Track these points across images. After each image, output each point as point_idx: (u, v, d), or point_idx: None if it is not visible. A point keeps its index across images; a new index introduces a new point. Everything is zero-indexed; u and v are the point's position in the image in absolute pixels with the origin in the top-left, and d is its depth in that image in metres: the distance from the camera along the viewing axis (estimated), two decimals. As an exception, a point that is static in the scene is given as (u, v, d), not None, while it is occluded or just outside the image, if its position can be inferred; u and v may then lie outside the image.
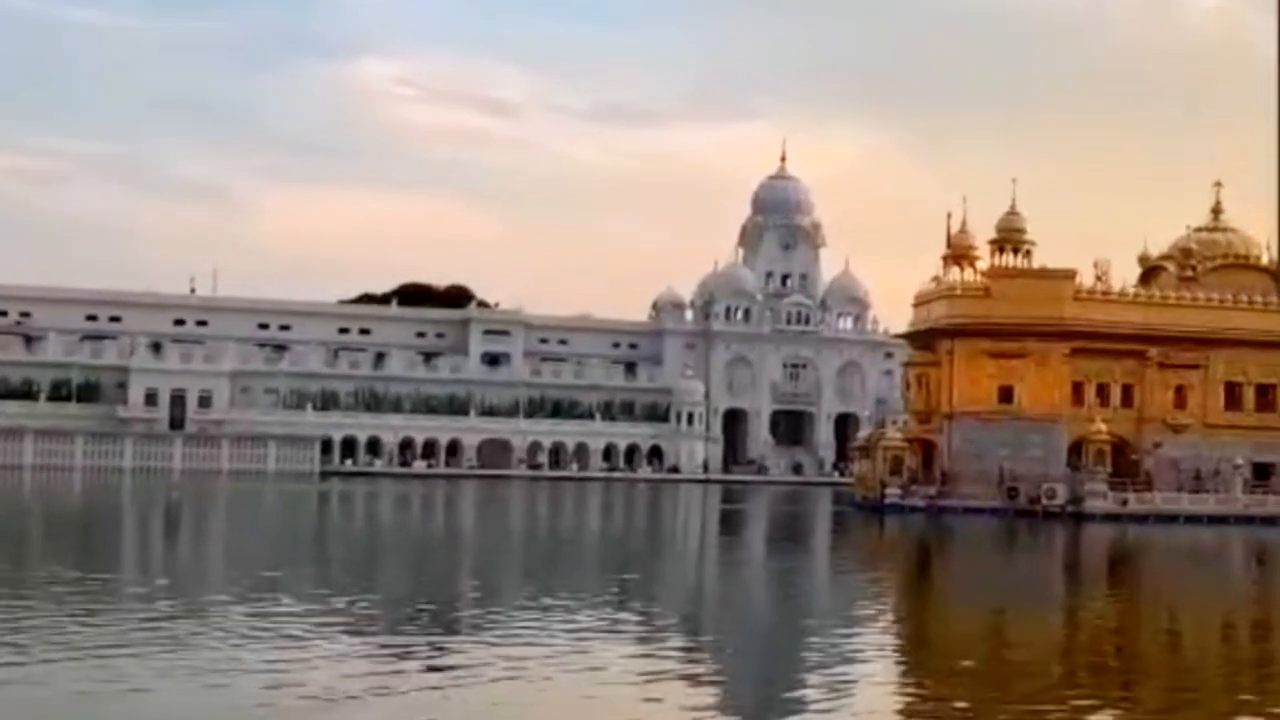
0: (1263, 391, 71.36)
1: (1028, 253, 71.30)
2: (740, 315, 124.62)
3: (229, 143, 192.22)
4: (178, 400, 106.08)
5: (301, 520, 54.25)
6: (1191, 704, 17.91)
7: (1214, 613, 29.39)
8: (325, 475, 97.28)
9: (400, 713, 15.36)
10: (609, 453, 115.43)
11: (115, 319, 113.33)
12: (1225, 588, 37.27)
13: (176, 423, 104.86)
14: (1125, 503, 65.30)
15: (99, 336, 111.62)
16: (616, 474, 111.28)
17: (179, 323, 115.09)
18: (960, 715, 16.47)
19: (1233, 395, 71.12)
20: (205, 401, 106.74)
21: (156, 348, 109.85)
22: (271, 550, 37.14)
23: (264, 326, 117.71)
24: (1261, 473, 69.30)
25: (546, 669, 17.88)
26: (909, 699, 17.64)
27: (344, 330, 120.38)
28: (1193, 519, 63.26)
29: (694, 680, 17.89)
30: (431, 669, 17.74)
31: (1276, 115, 72.01)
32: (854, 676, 18.93)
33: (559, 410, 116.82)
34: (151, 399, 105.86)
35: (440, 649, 19.54)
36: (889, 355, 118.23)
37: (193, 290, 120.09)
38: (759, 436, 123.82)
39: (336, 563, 34.58)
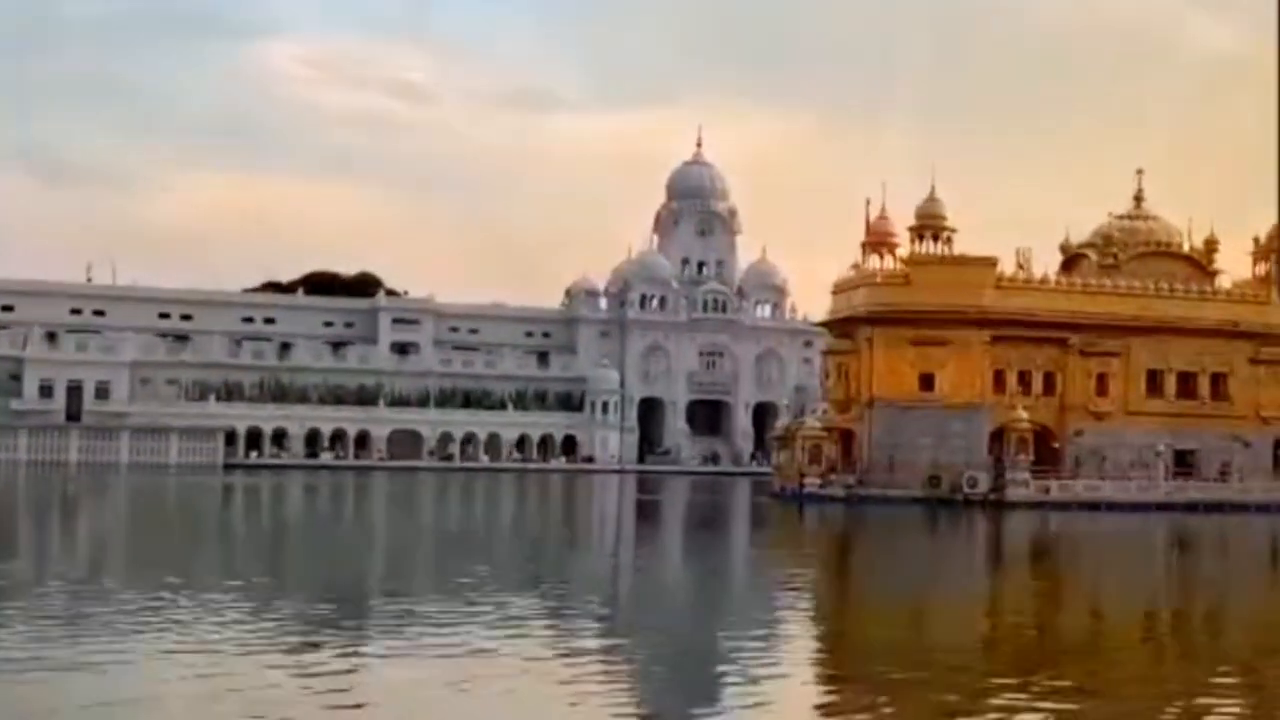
0: (1184, 379, 71.20)
1: (948, 240, 70.63)
2: (656, 303, 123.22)
3: (128, 126, 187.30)
4: (74, 392, 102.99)
5: (204, 515, 51.85)
6: (1111, 687, 17.29)
7: (1132, 598, 29.08)
8: (230, 468, 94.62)
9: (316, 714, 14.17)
10: (522, 443, 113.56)
11: (8, 308, 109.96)
12: (1144, 574, 37.07)
13: (73, 415, 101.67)
14: (1048, 490, 65.19)
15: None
16: (530, 465, 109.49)
17: (75, 312, 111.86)
18: (879, 705, 15.67)
19: (1154, 382, 70.95)
20: (103, 393, 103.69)
21: (52, 338, 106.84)
22: (171, 547, 34.95)
23: (165, 316, 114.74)
24: (1182, 459, 69.33)
25: (458, 669, 16.69)
26: (825, 692, 17.00)
27: (248, 319, 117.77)
28: (1115, 506, 63.08)
29: (611, 677, 16.96)
30: (338, 670, 16.35)
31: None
32: (771, 668, 18.09)
33: (470, 400, 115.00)
34: (47, 390, 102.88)
35: (348, 649, 18.03)
36: (808, 344, 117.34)
37: (90, 279, 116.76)
38: (675, 426, 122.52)
39: (238, 560, 32.44)
